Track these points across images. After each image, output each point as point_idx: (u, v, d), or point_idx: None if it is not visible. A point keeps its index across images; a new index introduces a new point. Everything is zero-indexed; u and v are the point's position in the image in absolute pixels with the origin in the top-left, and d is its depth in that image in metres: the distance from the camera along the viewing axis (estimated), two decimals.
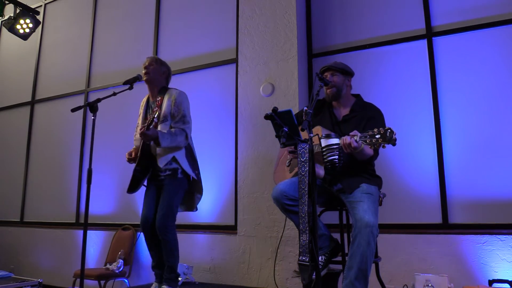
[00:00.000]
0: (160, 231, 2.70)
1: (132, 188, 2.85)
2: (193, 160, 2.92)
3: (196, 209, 3.02)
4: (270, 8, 3.63)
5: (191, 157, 2.90)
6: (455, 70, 3.14)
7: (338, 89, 2.43)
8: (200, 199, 2.99)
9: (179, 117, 2.81)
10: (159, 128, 2.78)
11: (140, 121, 2.97)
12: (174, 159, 2.78)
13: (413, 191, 3.11)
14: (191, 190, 2.94)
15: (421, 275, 2.55)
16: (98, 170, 4.31)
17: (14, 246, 5.00)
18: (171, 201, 2.75)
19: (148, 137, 2.64)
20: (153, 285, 2.87)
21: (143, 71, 2.93)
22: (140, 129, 2.65)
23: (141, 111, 3.00)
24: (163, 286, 2.75)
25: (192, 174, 2.84)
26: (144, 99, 3.04)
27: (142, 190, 2.94)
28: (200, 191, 2.96)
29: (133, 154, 2.89)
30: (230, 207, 3.66)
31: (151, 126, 2.65)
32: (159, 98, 2.88)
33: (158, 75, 2.94)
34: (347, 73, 2.48)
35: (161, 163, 2.76)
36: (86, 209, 2.47)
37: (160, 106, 2.83)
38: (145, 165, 2.84)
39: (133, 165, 2.86)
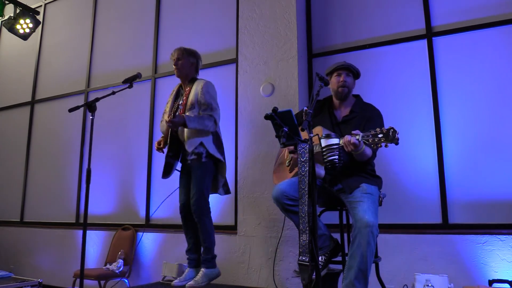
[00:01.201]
0: (196, 214, 2.83)
1: (166, 173, 2.99)
2: (220, 145, 3.01)
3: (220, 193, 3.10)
4: (270, 8, 3.63)
5: (217, 142, 2.99)
6: (455, 70, 3.14)
7: (349, 90, 2.50)
8: (223, 183, 3.07)
9: (206, 105, 2.91)
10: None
11: (168, 108, 3.07)
12: (201, 144, 2.87)
13: (413, 191, 3.10)
14: (216, 173, 3.03)
15: (421, 275, 2.55)
16: (98, 170, 4.31)
17: (14, 246, 5.00)
18: (201, 185, 2.86)
19: (176, 123, 2.78)
20: (186, 270, 2.97)
21: (173, 66, 3.03)
22: (167, 120, 2.80)
23: (170, 98, 3.10)
24: (202, 269, 2.86)
25: (219, 157, 2.94)
26: (175, 88, 3.14)
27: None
28: (223, 175, 3.04)
29: (161, 143, 3.01)
30: (230, 207, 3.66)
31: (177, 113, 2.81)
32: (188, 88, 3.00)
33: (187, 69, 3.04)
34: (357, 76, 2.56)
35: (189, 147, 2.86)
36: (86, 209, 2.47)
37: (188, 95, 2.95)
38: (175, 150, 2.97)
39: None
